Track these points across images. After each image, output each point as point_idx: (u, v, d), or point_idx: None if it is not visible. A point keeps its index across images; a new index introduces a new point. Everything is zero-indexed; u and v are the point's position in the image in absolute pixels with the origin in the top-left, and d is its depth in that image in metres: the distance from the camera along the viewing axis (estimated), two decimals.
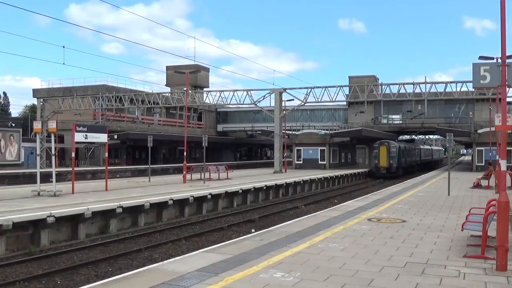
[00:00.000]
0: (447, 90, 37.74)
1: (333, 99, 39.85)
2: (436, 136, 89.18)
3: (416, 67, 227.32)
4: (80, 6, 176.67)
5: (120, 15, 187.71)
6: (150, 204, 17.58)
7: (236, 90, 42.38)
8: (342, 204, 18.05)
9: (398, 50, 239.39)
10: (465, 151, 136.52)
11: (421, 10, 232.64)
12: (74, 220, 14.76)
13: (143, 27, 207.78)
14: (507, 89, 12.11)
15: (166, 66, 68.26)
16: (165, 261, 8.78)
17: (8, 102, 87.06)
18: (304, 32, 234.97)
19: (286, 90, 41.18)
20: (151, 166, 32.40)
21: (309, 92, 39.84)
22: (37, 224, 13.51)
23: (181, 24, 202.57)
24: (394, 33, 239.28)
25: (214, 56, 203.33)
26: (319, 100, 40.15)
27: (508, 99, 31.82)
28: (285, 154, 43.30)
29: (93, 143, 39.58)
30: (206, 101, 47.00)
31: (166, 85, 66.99)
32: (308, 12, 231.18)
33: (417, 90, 38.47)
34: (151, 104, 46.91)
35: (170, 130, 59.26)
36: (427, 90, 37.75)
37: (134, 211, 17.23)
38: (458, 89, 38.67)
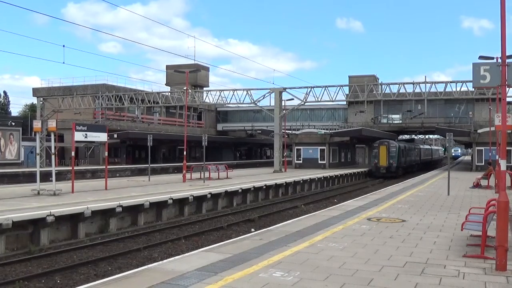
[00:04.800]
0: (447, 90, 37.72)
1: (333, 99, 39.85)
2: (436, 136, 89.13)
3: (414, 66, 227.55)
4: (78, 5, 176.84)
5: (117, 14, 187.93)
6: (149, 203, 17.57)
7: (236, 90, 42.39)
8: (342, 203, 18.05)
9: (396, 49, 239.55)
10: (459, 151, 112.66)
11: (418, 10, 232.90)
12: (74, 219, 14.75)
13: (140, 26, 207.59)
14: (507, 89, 12.12)
15: (166, 66, 68.36)
16: (164, 261, 8.78)
17: (8, 101, 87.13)
18: (301, 31, 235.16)
19: (286, 90, 41.17)
20: (151, 165, 32.39)
21: (309, 92, 39.89)
22: (37, 223, 13.50)
23: (179, 23, 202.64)
24: (391, 32, 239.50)
25: (212, 55, 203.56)
26: (319, 99, 40.15)
27: (508, 99, 31.83)
28: (285, 153, 43.29)
29: (93, 142, 39.61)
30: (206, 101, 46.99)
31: (166, 85, 67.09)
32: (306, 11, 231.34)
33: (417, 90, 38.48)
34: (151, 103, 46.89)
35: (170, 129, 59.27)
36: (427, 90, 37.74)
37: (133, 210, 17.23)
38: (458, 89, 38.72)
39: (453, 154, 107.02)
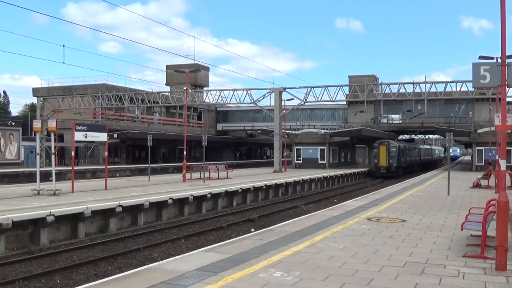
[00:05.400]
0: (447, 89, 37.70)
1: (333, 99, 39.84)
2: (436, 136, 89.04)
3: (414, 66, 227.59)
4: (77, 5, 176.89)
5: (117, 14, 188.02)
6: (149, 203, 17.57)
7: (236, 90, 42.38)
8: (342, 203, 18.05)
9: (395, 49, 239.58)
10: (458, 150, 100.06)
11: (417, 9, 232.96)
12: (74, 219, 14.75)
13: (140, 26, 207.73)
14: (507, 89, 12.12)
15: (166, 65, 68.35)
16: (164, 260, 8.77)
17: (8, 101, 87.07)
18: (301, 31, 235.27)
19: (286, 90, 41.16)
20: (150, 165, 32.38)
21: (309, 92, 39.87)
22: (37, 223, 13.50)
23: (178, 23, 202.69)
24: (391, 32, 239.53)
25: (212, 55, 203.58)
26: (319, 99, 40.16)
27: (508, 99, 31.82)
28: (285, 153, 43.29)
29: (93, 142, 39.56)
30: (206, 100, 46.98)
31: (166, 84, 67.10)
32: (305, 11, 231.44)
33: (417, 90, 38.48)
34: (151, 103, 46.89)
35: (170, 129, 59.28)
36: (427, 90, 37.73)
37: (133, 210, 17.23)
38: (458, 89, 38.69)
39: (451, 155, 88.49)
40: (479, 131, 43.58)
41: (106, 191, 20.53)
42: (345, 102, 56.14)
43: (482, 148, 42.22)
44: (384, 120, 57.79)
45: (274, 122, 41.33)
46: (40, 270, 10.91)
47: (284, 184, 29.29)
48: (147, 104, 46.55)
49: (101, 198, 17.45)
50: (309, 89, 39.99)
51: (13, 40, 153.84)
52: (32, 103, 68.70)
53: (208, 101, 47.06)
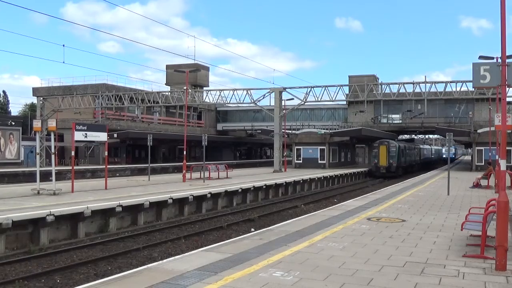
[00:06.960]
0: (447, 89, 37.73)
1: (333, 99, 39.84)
2: (436, 136, 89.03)
3: (414, 66, 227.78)
4: (76, 4, 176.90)
5: (116, 14, 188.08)
6: (149, 203, 17.57)
7: (236, 89, 42.36)
8: (342, 203, 18.05)
9: (395, 49, 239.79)
10: (453, 151, 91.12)
11: (417, 9, 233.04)
12: (74, 218, 14.75)
13: (139, 25, 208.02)
14: (507, 89, 12.12)
15: (166, 65, 68.39)
16: (164, 260, 8.77)
17: (8, 101, 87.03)
18: (300, 31, 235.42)
19: (286, 89, 41.15)
20: (150, 165, 32.37)
21: (309, 92, 39.87)
22: (37, 223, 13.50)
23: (177, 23, 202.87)
24: (391, 32, 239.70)
25: (212, 54, 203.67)
26: (319, 99, 40.16)
27: (508, 99, 31.83)
28: (285, 153, 43.28)
29: (93, 141, 39.60)
30: (206, 100, 46.96)
31: (166, 84, 67.10)
32: (304, 11, 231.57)
33: (417, 90, 38.49)
34: (151, 103, 46.87)
35: (170, 129, 59.29)
36: (427, 90, 37.75)
37: (133, 210, 17.23)
38: (458, 89, 38.74)
39: (444, 156, 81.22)
40: (479, 131, 43.58)
41: (106, 191, 20.53)
42: (345, 102, 56.13)
43: (482, 148, 42.23)
44: (384, 120, 57.80)
45: (274, 122, 41.31)
46: (40, 269, 10.90)
47: (284, 184, 29.28)
48: (147, 104, 46.53)
49: (101, 198, 17.45)
50: (309, 89, 40.02)
51: (13, 40, 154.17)
52: (32, 103, 68.75)
53: (208, 101, 47.03)
